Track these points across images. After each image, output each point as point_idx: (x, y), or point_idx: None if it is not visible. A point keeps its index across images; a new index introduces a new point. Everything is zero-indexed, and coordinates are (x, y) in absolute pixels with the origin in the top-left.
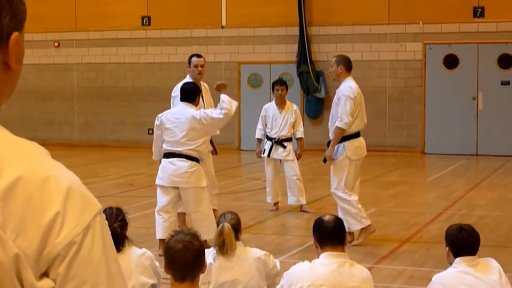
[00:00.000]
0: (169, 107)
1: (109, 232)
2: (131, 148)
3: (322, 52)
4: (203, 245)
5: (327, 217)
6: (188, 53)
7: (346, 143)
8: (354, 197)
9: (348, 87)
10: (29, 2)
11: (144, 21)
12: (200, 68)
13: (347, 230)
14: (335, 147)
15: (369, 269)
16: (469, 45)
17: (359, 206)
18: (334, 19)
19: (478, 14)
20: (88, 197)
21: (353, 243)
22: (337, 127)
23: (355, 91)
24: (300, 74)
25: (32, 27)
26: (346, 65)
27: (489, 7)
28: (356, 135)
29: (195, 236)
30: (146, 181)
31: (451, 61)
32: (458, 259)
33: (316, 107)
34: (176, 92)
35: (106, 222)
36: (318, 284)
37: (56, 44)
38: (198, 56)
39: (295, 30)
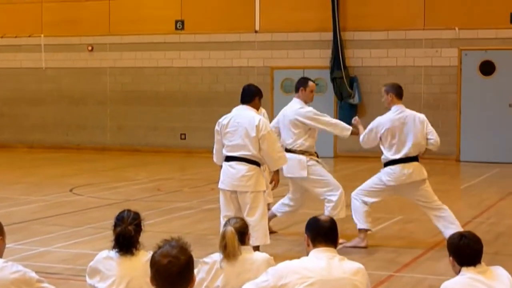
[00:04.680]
0: (201, 113)
1: None
2: (163, 152)
3: (356, 58)
4: (191, 258)
5: (323, 217)
6: (221, 58)
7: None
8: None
9: None
10: (64, 6)
11: (178, 25)
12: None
13: None
14: None
15: (389, 277)
16: (506, 51)
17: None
18: (368, 24)
19: None
20: None
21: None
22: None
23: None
24: (333, 80)
25: (66, 31)
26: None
27: None
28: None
29: (182, 249)
30: (173, 186)
31: (487, 68)
32: (464, 268)
33: (349, 113)
34: None
35: None
36: (307, 276)
37: (90, 48)
38: (312, 80)
39: (329, 35)
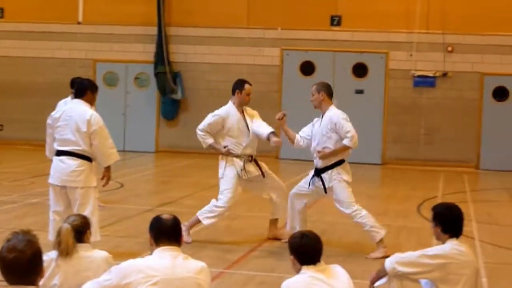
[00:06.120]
0: (20, 104)
1: None
2: None
3: (180, 53)
4: (39, 251)
5: (165, 216)
6: (42, 48)
7: None
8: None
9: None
10: None
11: None
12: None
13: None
14: None
15: (220, 274)
16: (326, 53)
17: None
18: (193, 20)
19: (335, 23)
20: None
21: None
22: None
23: None
24: (157, 75)
25: None
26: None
27: (346, 16)
28: None
29: (30, 242)
30: None
31: (307, 68)
32: (305, 267)
33: (172, 108)
34: None
35: None
36: (151, 275)
37: None
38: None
39: (154, 30)
